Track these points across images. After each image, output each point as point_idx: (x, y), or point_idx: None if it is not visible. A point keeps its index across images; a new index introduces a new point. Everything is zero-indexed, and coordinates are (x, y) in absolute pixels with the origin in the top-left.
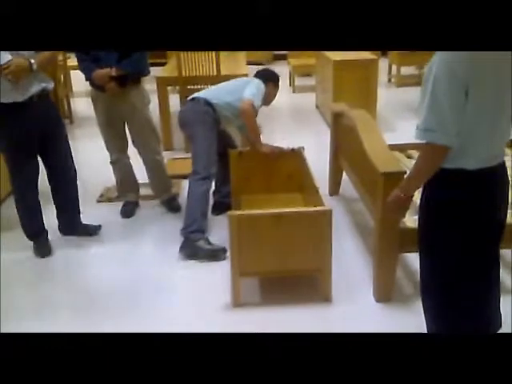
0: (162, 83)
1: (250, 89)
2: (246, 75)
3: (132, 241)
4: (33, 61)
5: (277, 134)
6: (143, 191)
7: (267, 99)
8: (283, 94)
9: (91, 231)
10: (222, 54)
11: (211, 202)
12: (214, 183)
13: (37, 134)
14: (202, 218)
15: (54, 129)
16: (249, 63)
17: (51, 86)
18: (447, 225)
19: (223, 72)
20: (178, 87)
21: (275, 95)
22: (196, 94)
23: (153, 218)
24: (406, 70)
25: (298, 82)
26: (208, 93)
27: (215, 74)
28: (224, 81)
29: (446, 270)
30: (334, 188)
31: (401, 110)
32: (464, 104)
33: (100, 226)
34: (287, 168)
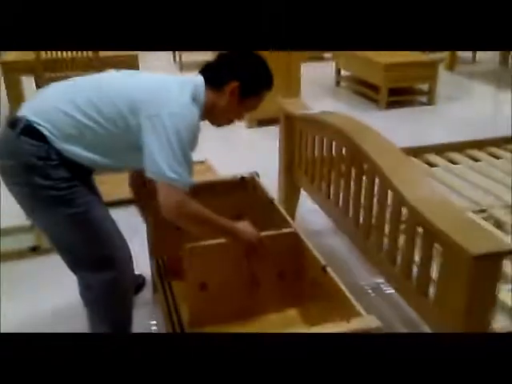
0: (12, 71)
1: (166, 158)
2: (134, 57)
3: None
4: None
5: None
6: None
7: (217, 115)
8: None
9: None
10: None
11: None
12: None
13: None
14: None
15: None
16: None
17: None
18: None
19: (103, 53)
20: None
21: (250, 107)
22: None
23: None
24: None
25: (186, 57)
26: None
27: (91, 55)
28: (103, 67)
29: None
30: (290, 214)
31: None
32: None
33: None
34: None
